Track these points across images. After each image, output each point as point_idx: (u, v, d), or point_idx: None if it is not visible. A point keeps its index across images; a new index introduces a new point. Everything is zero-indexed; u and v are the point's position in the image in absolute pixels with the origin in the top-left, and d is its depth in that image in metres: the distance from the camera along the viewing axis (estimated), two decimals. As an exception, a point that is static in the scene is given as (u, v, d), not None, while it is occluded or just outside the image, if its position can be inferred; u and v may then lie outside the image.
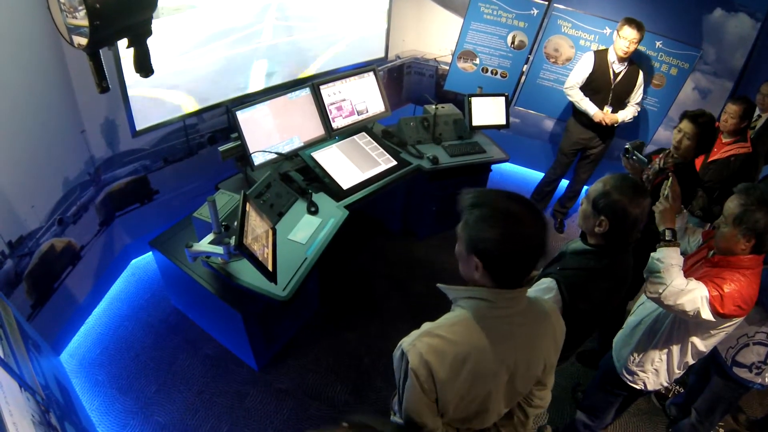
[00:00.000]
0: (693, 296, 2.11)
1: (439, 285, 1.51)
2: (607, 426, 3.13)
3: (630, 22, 3.95)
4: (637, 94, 4.32)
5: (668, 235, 2.26)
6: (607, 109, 4.27)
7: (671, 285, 2.14)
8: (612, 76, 4.18)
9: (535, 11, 4.61)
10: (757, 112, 4.17)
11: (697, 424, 3.03)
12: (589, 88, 4.29)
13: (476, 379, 1.45)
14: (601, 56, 4.21)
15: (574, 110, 4.45)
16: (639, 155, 3.04)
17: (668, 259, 2.18)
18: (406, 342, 1.44)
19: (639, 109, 4.42)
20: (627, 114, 4.32)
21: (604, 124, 4.22)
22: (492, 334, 1.44)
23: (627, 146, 3.03)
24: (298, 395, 3.07)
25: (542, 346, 1.60)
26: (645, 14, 4.24)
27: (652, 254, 2.24)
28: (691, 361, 2.45)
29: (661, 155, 3.19)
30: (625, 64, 4.18)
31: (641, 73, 4.28)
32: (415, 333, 1.45)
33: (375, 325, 3.54)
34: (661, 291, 2.16)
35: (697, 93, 4.84)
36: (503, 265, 1.37)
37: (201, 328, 3.35)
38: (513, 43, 4.74)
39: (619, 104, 4.31)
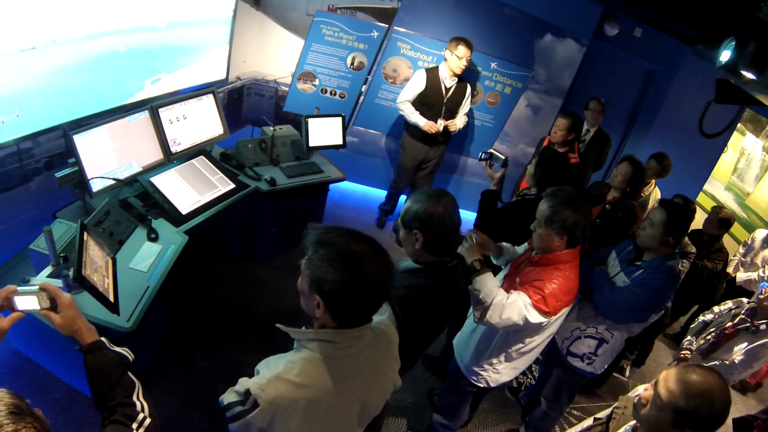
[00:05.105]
0: (517, 306, 2.20)
1: (279, 325, 1.49)
2: (466, 423, 3.30)
3: (461, 40, 4.24)
4: (465, 105, 4.69)
5: (477, 266, 2.32)
6: (441, 121, 4.55)
7: (493, 303, 2.21)
8: (444, 91, 4.50)
9: (376, 33, 4.82)
10: (586, 126, 4.80)
11: (547, 410, 3.25)
12: (423, 103, 4.52)
13: (330, 420, 1.45)
14: (432, 73, 4.48)
15: (406, 126, 4.75)
16: (495, 154, 3.44)
17: (482, 284, 2.26)
18: (254, 385, 1.36)
19: (467, 119, 4.81)
20: (460, 122, 4.70)
21: (434, 132, 4.52)
22: (341, 374, 1.44)
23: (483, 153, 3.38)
24: (156, 430, 2.99)
25: (389, 371, 1.66)
26: (481, 38, 4.67)
27: (469, 287, 2.28)
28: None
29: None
30: (456, 79, 4.47)
31: (468, 86, 4.64)
32: (264, 375, 1.40)
33: (224, 350, 3.52)
34: (485, 313, 2.24)
35: (529, 110, 5.38)
36: (346, 306, 1.38)
37: (47, 369, 3.06)
38: (352, 64, 4.96)
39: (450, 117, 4.64)
